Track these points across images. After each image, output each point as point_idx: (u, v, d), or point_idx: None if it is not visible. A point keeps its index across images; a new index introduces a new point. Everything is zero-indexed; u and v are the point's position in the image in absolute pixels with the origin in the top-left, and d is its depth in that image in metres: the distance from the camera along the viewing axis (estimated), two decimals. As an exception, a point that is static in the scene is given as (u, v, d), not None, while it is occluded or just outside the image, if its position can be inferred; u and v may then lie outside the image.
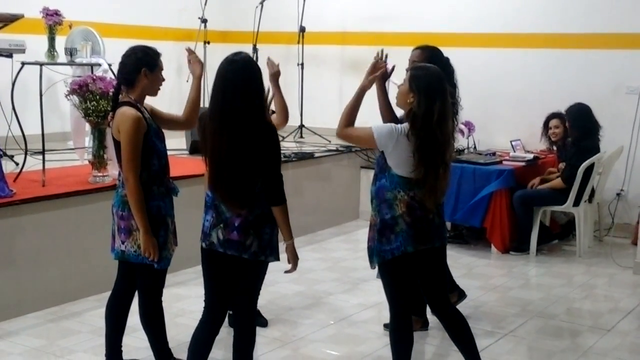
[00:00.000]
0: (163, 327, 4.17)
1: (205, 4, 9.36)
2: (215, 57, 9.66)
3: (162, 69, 4.08)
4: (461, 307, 5.07)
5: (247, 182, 3.42)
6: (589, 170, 6.58)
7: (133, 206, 3.79)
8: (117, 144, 3.91)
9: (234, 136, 3.35)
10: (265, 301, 5.29)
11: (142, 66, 3.90)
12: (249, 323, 3.72)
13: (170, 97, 9.53)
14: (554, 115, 7.19)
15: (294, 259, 3.59)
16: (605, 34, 7.65)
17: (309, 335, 5.03)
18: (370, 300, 5.66)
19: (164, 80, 4.15)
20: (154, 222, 3.89)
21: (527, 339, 4.94)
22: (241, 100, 3.36)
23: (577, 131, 6.76)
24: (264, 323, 5.02)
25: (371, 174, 8.13)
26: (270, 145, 3.46)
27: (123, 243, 3.94)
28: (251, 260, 3.52)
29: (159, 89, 4.14)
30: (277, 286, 5.63)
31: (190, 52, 4.29)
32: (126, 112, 3.83)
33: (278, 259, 3.63)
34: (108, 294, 5.51)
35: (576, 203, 6.75)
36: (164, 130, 4.15)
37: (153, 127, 3.98)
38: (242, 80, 3.38)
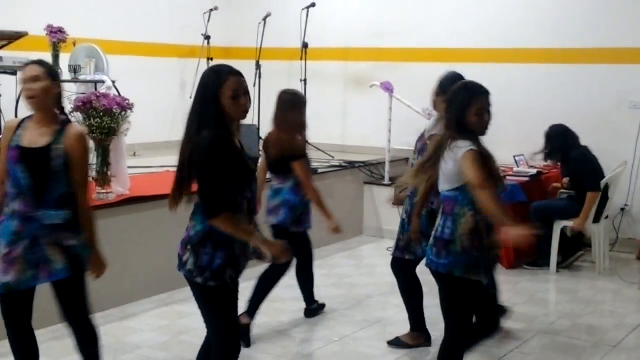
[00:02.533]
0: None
1: (208, 21, 9.41)
2: (218, 73, 9.71)
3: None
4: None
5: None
6: (606, 187, 6.54)
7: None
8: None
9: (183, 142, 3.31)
10: (268, 318, 5.29)
11: None
12: (218, 347, 3.45)
13: (173, 112, 9.59)
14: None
15: (267, 248, 3.34)
16: (608, 49, 7.66)
17: (314, 352, 5.02)
18: (374, 317, 5.64)
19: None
20: None
21: (533, 355, 4.92)
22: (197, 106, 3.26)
23: (558, 151, 6.76)
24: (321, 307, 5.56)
25: (375, 189, 8.23)
26: (198, 155, 3.19)
27: None
28: (187, 278, 3.32)
29: None
30: (279, 302, 5.61)
31: None
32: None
33: (219, 283, 3.27)
34: (113, 310, 5.55)
35: (596, 219, 6.66)
36: None
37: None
38: (200, 87, 3.28)
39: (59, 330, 5.14)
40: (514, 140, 8.14)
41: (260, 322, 5.14)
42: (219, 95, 3.17)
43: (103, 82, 6.67)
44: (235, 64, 10.41)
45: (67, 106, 5.81)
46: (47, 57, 6.48)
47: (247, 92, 3.30)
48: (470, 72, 8.61)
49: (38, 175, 3.50)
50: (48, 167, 3.51)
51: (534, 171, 7.53)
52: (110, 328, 5.17)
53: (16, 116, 5.96)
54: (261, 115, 8.44)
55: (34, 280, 3.55)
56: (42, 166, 3.51)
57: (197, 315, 5.33)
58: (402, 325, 5.35)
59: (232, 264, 3.27)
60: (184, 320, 5.45)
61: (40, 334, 5.03)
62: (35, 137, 3.53)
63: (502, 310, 5.06)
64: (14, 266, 3.48)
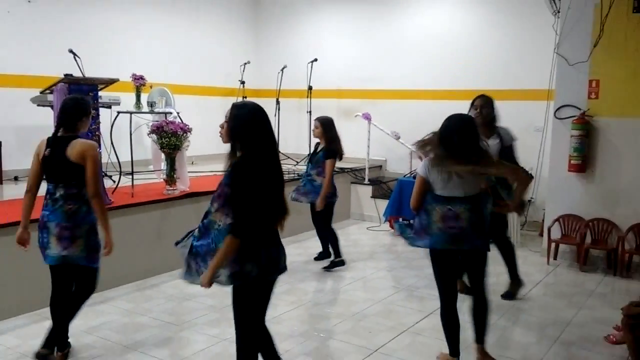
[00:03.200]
0: None
1: (244, 71, 9.43)
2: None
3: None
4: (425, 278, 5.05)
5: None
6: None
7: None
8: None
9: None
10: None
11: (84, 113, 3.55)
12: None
13: (218, 138, 9.57)
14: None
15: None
16: (519, 90, 7.68)
17: (318, 299, 4.98)
18: (359, 275, 5.59)
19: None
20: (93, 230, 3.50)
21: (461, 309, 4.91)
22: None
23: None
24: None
25: (358, 187, 8.25)
26: (233, 180, 2.63)
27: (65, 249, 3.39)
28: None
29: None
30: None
31: None
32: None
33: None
34: (178, 271, 5.55)
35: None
36: None
37: None
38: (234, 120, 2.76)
39: (140, 285, 5.21)
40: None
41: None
42: None
43: (171, 113, 6.70)
44: (262, 101, 10.53)
45: (146, 130, 5.89)
46: (132, 96, 6.57)
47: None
48: (425, 107, 8.70)
49: None
50: None
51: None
52: (173, 285, 5.21)
53: (111, 138, 6.02)
54: (281, 135, 8.46)
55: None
56: None
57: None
58: (379, 282, 5.39)
59: None
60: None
61: (128, 287, 5.10)
62: None
63: (519, 282, 5.00)
64: None
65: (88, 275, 3.52)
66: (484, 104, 4.89)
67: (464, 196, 3.35)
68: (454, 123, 3.39)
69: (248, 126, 2.67)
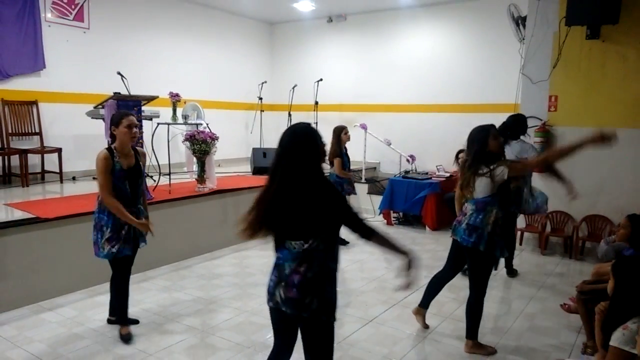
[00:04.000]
0: None
1: (261, 89, 9.45)
2: (266, 120, 9.75)
3: (126, 126, 3.29)
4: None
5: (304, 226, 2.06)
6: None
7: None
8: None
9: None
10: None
11: (111, 124, 3.36)
12: None
13: (240, 141, 9.61)
14: (461, 150, 7.13)
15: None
16: (488, 103, 7.66)
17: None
18: (356, 258, 5.54)
19: (132, 134, 3.32)
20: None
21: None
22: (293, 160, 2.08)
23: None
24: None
25: (357, 186, 8.21)
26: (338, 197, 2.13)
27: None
28: (311, 319, 2.06)
29: (130, 139, 3.33)
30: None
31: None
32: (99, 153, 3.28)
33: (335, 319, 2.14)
34: (207, 254, 5.57)
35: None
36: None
37: (117, 167, 3.28)
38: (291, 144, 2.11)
39: (176, 266, 5.22)
40: (437, 157, 8.16)
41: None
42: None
43: (201, 124, 6.71)
44: (276, 114, 10.44)
45: (181, 138, 5.89)
46: (169, 110, 6.57)
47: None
48: (412, 118, 8.67)
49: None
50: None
51: (447, 174, 7.53)
52: (203, 266, 5.21)
53: (152, 144, 6.01)
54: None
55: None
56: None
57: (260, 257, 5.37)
58: (374, 263, 5.35)
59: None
60: (249, 260, 5.43)
61: (166, 268, 5.12)
62: (130, 162, 3.36)
63: (514, 272, 4.99)
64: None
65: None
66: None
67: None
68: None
69: None
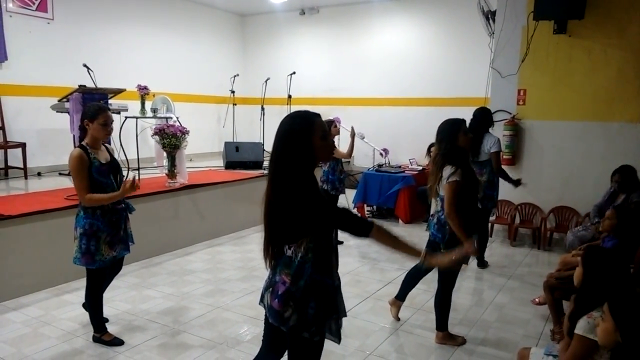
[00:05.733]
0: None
1: (233, 82, 9.36)
2: (239, 113, 9.66)
3: (102, 123, 3.08)
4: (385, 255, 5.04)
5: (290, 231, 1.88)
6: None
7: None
8: None
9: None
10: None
11: (84, 117, 3.10)
12: None
13: (213, 135, 9.50)
14: (433, 144, 7.20)
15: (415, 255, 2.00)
16: (459, 97, 7.79)
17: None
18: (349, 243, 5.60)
19: (107, 131, 3.13)
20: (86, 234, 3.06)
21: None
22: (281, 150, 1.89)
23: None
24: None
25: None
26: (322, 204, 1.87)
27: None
28: (290, 334, 1.89)
29: (104, 136, 3.14)
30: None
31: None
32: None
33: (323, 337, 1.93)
34: (178, 251, 5.48)
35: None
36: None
37: (96, 163, 3.07)
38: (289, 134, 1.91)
39: (146, 263, 5.15)
40: (410, 150, 8.24)
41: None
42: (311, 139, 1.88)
43: (171, 117, 6.61)
44: (249, 108, 10.33)
45: (150, 132, 5.79)
46: (138, 103, 6.43)
47: None
48: (384, 112, 8.72)
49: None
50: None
51: (420, 168, 7.60)
52: (175, 262, 5.15)
53: (120, 138, 5.86)
54: (265, 137, 8.42)
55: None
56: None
57: (232, 253, 5.31)
58: (347, 257, 5.38)
59: (335, 317, 1.97)
60: (222, 256, 5.39)
61: (135, 265, 5.04)
62: (105, 156, 3.20)
63: (484, 264, 5.07)
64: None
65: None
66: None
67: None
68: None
69: None
